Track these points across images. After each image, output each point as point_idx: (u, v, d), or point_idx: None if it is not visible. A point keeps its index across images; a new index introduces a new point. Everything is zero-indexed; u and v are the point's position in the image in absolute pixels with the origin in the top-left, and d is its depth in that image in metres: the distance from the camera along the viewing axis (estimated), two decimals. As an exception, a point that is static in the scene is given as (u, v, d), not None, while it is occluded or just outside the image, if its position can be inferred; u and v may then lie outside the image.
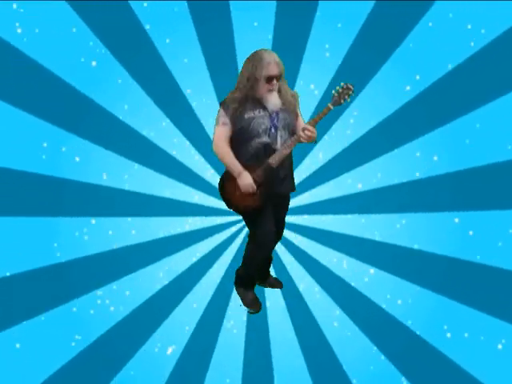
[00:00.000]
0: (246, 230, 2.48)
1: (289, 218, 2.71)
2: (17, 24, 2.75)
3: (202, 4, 2.96)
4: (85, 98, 2.89)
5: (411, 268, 2.64)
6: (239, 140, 2.18)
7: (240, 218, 2.52)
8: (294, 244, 2.97)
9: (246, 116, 2.13)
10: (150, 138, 3.03)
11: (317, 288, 2.65)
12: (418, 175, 2.93)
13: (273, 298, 2.63)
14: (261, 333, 2.37)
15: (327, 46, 3.01)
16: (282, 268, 2.83)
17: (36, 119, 2.79)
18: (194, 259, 2.86)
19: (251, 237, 2.38)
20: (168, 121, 3.05)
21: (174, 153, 3.07)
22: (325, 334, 2.33)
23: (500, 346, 2.16)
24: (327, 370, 2.16)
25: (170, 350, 2.28)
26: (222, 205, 2.38)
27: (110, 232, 2.90)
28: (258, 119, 2.13)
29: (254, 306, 2.50)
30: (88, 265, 2.73)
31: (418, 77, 2.94)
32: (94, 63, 2.90)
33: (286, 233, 2.89)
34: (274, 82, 2.08)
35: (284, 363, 2.20)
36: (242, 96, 2.12)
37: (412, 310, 2.41)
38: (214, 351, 2.27)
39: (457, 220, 2.76)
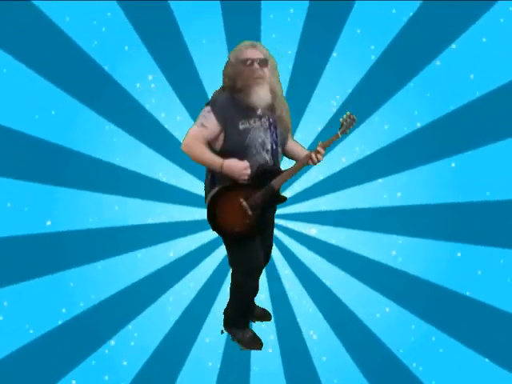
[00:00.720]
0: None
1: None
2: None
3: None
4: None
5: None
6: (233, 157, 1.89)
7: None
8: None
9: (241, 127, 1.88)
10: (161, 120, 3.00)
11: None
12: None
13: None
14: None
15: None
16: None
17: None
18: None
19: (237, 266, 2.11)
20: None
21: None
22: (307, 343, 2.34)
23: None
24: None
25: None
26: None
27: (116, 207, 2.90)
28: (254, 132, 1.90)
29: (255, 345, 2.26)
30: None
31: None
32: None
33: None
34: (256, 66, 1.83)
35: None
36: (230, 96, 1.88)
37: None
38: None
39: (459, 254, 2.75)
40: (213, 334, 2.38)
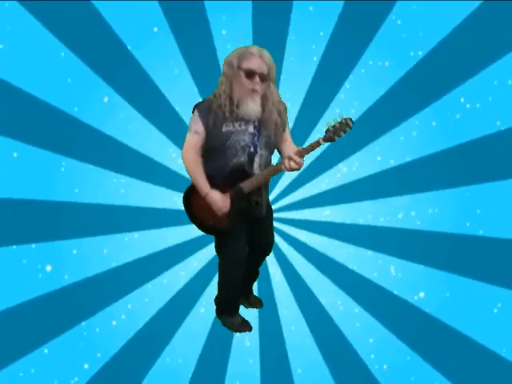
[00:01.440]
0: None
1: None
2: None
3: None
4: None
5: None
6: (213, 156, 1.92)
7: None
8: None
9: (224, 129, 1.86)
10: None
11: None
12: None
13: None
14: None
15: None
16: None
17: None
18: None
19: (221, 259, 2.18)
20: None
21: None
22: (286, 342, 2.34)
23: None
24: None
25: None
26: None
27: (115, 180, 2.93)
28: (238, 135, 1.88)
29: (244, 328, 2.36)
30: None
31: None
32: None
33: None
34: (257, 80, 1.78)
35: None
36: (221, 102, 1.84)
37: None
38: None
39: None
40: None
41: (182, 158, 1.96)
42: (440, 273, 2.71)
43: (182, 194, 2.09)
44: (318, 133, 2.40)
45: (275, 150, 2.07)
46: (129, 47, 2.89)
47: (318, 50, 2.98)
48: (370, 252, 2.93)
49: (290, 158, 1.80)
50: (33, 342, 2.23)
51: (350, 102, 3.02)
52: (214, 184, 1.95)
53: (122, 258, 2.78)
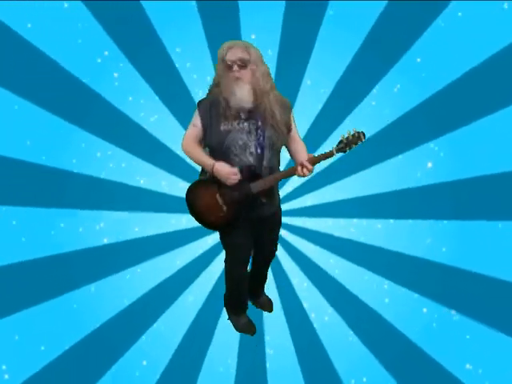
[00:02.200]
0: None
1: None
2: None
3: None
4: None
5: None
6: (213, 156, 1.94)
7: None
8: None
9: (222, 128, 1.89)
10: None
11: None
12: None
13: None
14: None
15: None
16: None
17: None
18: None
19: (226, 254, 2.21)
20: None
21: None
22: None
23: None
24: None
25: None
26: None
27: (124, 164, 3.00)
28: (235, 133, 1.88)
29: (247, 330, 2.40)
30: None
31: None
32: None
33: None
34: (236, 68, 1.79)
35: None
36: (216, 96, 1.88)
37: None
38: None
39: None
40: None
41: (183, 149, 2.01)
42: (431, 303, 2.65)
43: (184, 196, 2.08)
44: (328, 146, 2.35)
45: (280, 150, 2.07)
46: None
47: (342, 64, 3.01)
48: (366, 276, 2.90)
49: (303, 165, 1.84)
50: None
51: (365, 118, 3.04)
52: (219, 183, 1.93)
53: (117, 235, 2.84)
